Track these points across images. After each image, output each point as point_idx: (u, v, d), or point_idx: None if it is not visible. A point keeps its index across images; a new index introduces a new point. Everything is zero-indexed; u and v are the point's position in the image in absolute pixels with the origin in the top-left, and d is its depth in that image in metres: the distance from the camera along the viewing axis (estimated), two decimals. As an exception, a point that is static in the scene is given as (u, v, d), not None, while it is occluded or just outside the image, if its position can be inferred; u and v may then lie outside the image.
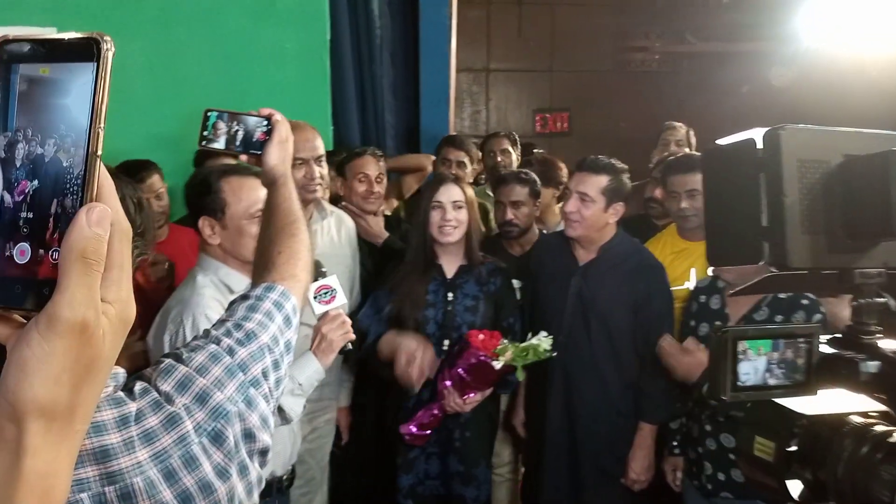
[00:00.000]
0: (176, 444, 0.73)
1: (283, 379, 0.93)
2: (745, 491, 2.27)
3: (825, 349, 0.78)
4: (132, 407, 0.73)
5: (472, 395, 2.45)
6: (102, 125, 0.48)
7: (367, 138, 4.12)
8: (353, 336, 1.99)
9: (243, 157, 1.34)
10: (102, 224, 0.45)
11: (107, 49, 0.48)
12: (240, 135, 1.31)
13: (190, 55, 3.20)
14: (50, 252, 0.47)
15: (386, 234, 2.94)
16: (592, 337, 2.54)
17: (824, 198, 0.77)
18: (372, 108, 4.19)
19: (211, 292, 1.83)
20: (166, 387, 0.77)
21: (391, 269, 2.64)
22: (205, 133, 1.33)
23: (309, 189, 2.47)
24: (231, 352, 0.86)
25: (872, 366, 0.76)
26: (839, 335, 0.79)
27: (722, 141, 0.82)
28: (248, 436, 0.80)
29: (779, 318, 2.30)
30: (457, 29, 4.39)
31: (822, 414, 0.76)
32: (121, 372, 0.78)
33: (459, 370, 2.41)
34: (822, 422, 0.76)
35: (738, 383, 0.72)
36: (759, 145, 0.77)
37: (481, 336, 2.41)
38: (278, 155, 1.31)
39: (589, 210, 2.50)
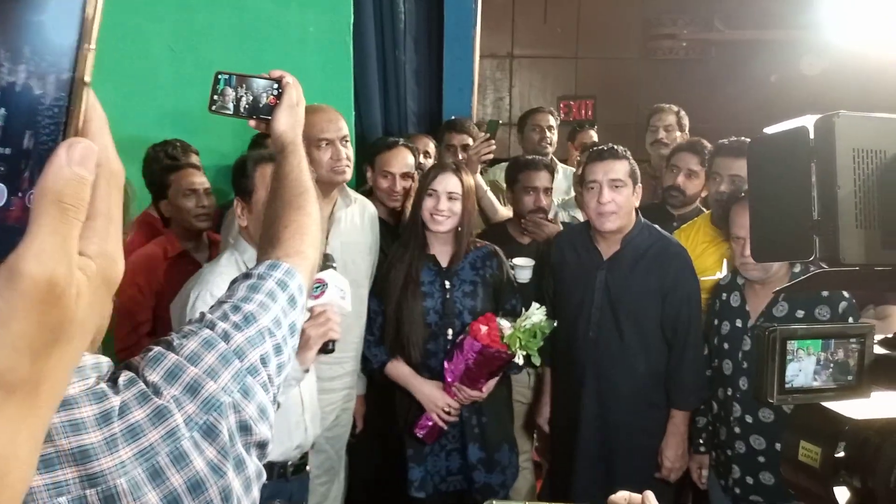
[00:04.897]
0: (164, 439, 0.67)
1: (286, 364, 0.86)
2: (775, 495, 2.22)
3: (878, 350, 0.73)
4: (115, 401, 0.66)
5: (483, 382, 2.44)
6: (93, 45, 0.41)
7: (389, 124, 4.08)
8: (335, 335, 1.82)
9: (251, 123, 1.26)
10: (86, 163, 0.39)
11: None
12: (246, 99, 1.24)
13: (212, 38, 3.18)
14: (26, 195, 0.40)
15: None
16: (623, 330, 2.51)
17: (880, 190, 0.72)
18: (395, 94, 4.14)
19: (230, 271, 1.86)
20: (154, 377, 0.71)
21: (381, 262, 2.62)
22: (214, 97, 1.26)
23: (337, 170, 2.43)
24: (226, 337, 0.79)
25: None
26: (893, 336, 0.75)
27: (770, 129, 0.77)
28: (244, 428, 0.74)
29: (800, 312, 2.26)
30: (481, 14, 4.32)
31: (872, 419, 0.72)
32: (104, 361, 0.72)
33: (465, 364, 2.37)
34: (871, 427, 0.72)
35: (786, 385, 0.68)
36: (812, 133, 0.72)
37: (484, 328, 2.35)
38: (287, 120, 1.23)
39: (622, 196, 2.48)
